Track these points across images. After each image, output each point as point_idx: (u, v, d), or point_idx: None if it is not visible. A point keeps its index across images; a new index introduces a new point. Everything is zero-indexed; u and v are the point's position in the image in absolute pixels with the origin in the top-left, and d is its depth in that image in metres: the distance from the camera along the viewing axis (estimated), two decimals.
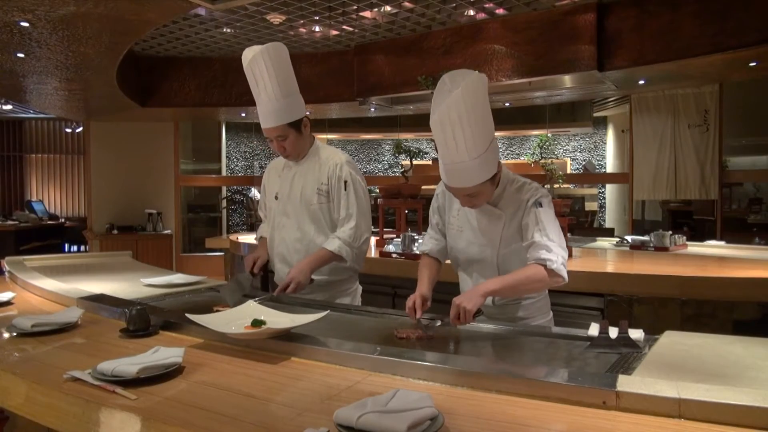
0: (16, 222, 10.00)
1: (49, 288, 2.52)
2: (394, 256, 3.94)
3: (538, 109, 8.69)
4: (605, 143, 9.63)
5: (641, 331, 1.75)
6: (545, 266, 1.91)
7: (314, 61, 7.25)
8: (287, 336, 1.71)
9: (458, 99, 1.77)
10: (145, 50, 7.35)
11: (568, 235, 4.17)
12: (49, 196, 11.70)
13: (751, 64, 5.54)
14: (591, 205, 9.40)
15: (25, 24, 4.50)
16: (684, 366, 1.47)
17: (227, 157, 10.07)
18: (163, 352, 1.56)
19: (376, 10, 5.68)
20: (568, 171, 9.43)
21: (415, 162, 4.54)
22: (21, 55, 5.41)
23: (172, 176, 9.45)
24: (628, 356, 1.58)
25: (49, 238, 10.39)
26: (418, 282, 2.18)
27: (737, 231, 6.62)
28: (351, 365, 1.54)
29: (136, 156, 9.32)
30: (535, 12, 5.75)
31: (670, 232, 4.39)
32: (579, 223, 8.10)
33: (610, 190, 9.37)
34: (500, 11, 5.79)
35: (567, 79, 6.21)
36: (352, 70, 7.06)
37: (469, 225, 2.12)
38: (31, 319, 1.94)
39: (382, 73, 6.72)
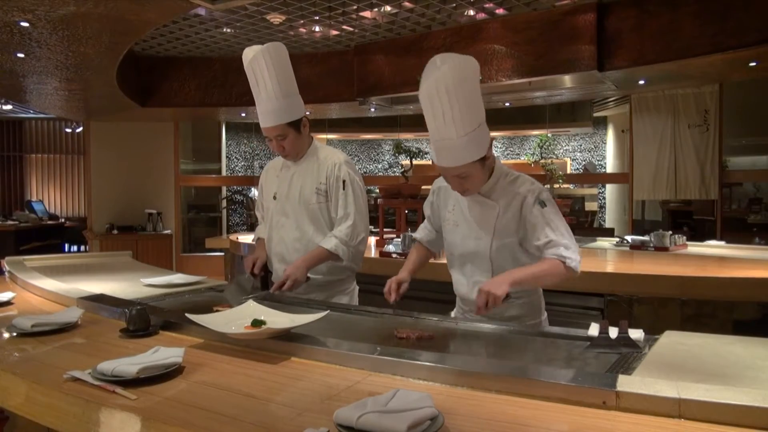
0: (16, 222, 10.00)
1: (49, 288, 2.51)
2: (394, 256, 3.94)
3: (538, 109, 8.69)
4: (605, 143, 9.63)
5: (641, 331, 1.75)
6: (564, 263, 1.96)
7: (314, 61, 7.25)
8: (287, 336, 1.71)
9: (446, 73, 1.83)
10: (145, 50, 7.35)
11: None
12: (49, 196, 11.70)
13: (751, 64, 5.54)
14: (591, 205, 9.40)
15: (25, 24, 4.50)
16: (684, 366, 1.47)
17: (227, 157, 10.07)
18: (163, 352, 1.56)
19: (376, 10, 5.68)
20: (568, 171, 9.43)
21: (415, 162, 4.55)
22: (21, 55, 5.41)
23: (172, 176, 9.45)
24: (628, 356, 1.58)
25: (49, 238, 10.39)
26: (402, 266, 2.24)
27: (737, 231, 6.62)
28: (351, 365, 1.54)
29: (136, 156, 9.32)
30: (535, 12, 5.75)
31: (670, 232, 4.39)
32: (579, 223, 8.09)
33: (610, 190, 9.37)
34: (500, 11, 5.79)
35: (567, 79, 6.21)
36: (352, 70, 7.06)
37: (464, 219, 2.14)
38: (31, 319, 1.94)
39: (382, 73, 6.72)
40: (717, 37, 4.98)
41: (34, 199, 11.33)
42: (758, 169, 7.14)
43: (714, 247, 4.69)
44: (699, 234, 6.93)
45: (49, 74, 6.24)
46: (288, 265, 2.53)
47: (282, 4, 5.45)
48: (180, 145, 9.49)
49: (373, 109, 8.09)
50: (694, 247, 4.56)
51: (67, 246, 10.66)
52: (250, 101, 2.64)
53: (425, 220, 2.39)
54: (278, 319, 1.85)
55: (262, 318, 1.81)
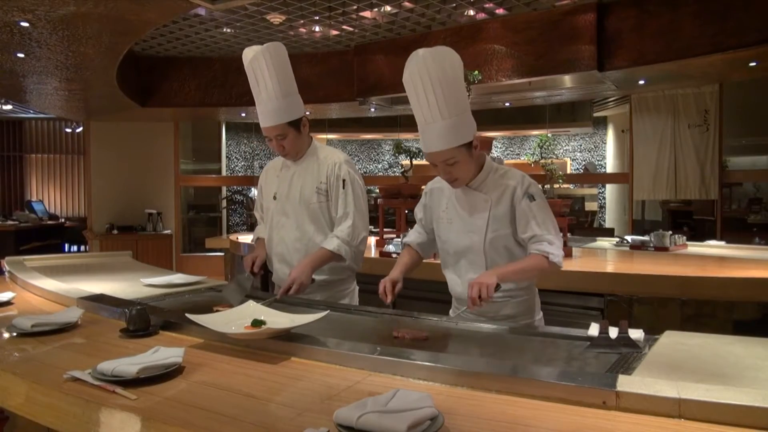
0: (16, 222, 9.99)
1: (49, 288, 2.51)
2: (394, 256, 3.94)
3: (538, 109, 8.69)
4: (605, 143, 9.63)
5: (641, 331, 1.75)
6: (548, 259, 2.02)
7: (314, 61, 7.25)
8: (287, 336, 1.71)
9: (428, 58, 1.93)
10: (145, 50, 7.35)
11: (568, 235, 4.17)
12: (49, 196, 11.70)
13: (751, 64, 5.54)
14: (591, 205, 9.40)
15: (25, 24, 4.50)
16: (684, 366, 1.47)
17: (227, 157, 10.07)
18: (163, 352, 1.56)
19: (376, 10, 5.68)
20: (568, 171, 9.43)
21: (415, 162, 4.54)
22: (21, 55, 5.41)
23: (172, 176, 9.45)
24: (628, 356, 1.58)
25: (49, 238, 10.38)
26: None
27: (737, 231, 6.62)
28: (351, 365, 1.54)
29: (136, 156, 9.32)
30: (535, 12, 5.75)
31: (670, 232, 4.39)
32: (579, 223, 8.09)
33: (610, 190, 9.37)
34: (500, 11, 5.79)
35: (567, 79, 6.21)
36: (352, 70, 7.06)
37: (457, 215, 2.18)
38: (31, 319, 1.94)
39: (382, 73, 6.73)
40: (717, 37, 4.98)
41: (34, 199, 11.33)
42: (758, 169, 7.14)
43: (714, 247, 4.69)
44: (699, 234, 6.93)
45: (49, 74, 6.24)
46: (288, 265, 2.53)
47: (282, 4, 5.45)
48: (180, 145, 9.49)
49: (373, 109, 8.09)
50: (694, 247, 4.56)
51: (67, 246, 10.66)
52: (250, 101, 2.64)
53: (416, 224, 2.43)
54: (278, 319, 1.85)
55: (262, 318, 1.81)
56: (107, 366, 1.46)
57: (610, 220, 9.23)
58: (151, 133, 9.33)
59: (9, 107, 9.70)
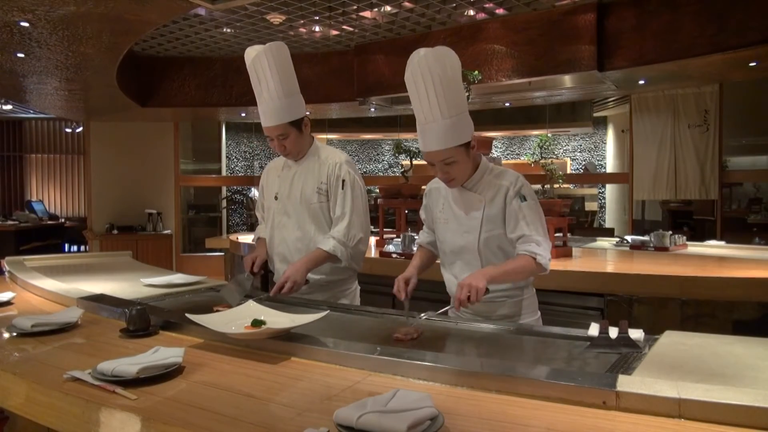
0: (16, 222, 9.99)
1: (49, 288, 2.51)
2: (394, 256, 3.94)
3: (538, 109, 8.69)
4: (605, 143, 9.63)
5: (641, 331, 1.75)
6: (535, 260, 2.03)
7: (314, 61, 7.25)
8: (287, 336, 1.71)
9: (430, 57, 1.95)
10: (145, 50, 7.35)
11: (569, 235, 4.17)
12: (49, 196, 11.70)
13: (751, 64, 5.54)
14: (591, 205, 9.40)
15: (25, 24, 4.50)
16: (684, 366, 1.47)
17: (227, 157, 10.07)
18: (163, 352, 1.56)
19: (376, 10, 5.68)
20: (568, 171, 9.43)
21: (415, 162, 4.54)
22: (21, 55, 5.41)
23: (172, 176, 9.46)
24: (628, 356, 1.58)
25: (49, 238, 10.38)
26: None
27: (737, 231, 6.63)
28: (351, 365, 1.54)
29: (136, 156, 9.32)
30: (535, 12, 5.75)
31: (670, 232, 4.39)
32: (579, 223, 8.10)
33: (610, 190, 9.37)
34: (500, 11, 5.79)
35: (567, 79, 6.21)
36: (352, 70, 7.06)
37: (453, 215, 2.19)
38: (31, 319, 1.94)
39: (382, 73, 6.73)
40: (717, 37, 4.98)
41: (34, 199, 11.33)
42: (758, 169, 7.14)
43: (714, 247, 4.69)
44: (699, 234, 6.93)
45: (49, 74, 6.24)
46: (290, 265, 2.53)
47: (282, 4, 5.45)
48: (180, 145, 9.49)
49: (373, 109, 8.09)
50: (694, 247, 4.56)
51: (67, 246, 10.66)
52: (250, 101, 2.65)
53: (424, 226, 2.45)
54: (278, 319, 1.85)
55: (262, 318, 1.81)
56: (107, 366, 1.46)
57: (610, 220, 9.23)
58: (151, 133, 9.33)
59: (9, 107, 9.70)
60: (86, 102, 7.95)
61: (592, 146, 9.67)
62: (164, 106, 7.96)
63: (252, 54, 2.43)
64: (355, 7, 5.57)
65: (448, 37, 6.20)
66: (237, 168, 10.21)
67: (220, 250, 7.68)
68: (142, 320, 1.90)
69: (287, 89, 2.44)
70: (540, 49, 5.76)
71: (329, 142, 10.20)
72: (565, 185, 5.13)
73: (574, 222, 6.07)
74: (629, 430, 1.15)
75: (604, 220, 9.32)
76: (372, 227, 2.86)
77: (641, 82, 6.53)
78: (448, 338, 1.93)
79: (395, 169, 10.75)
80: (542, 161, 4.00)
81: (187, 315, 1.82)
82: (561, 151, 9.59)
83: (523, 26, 5.85)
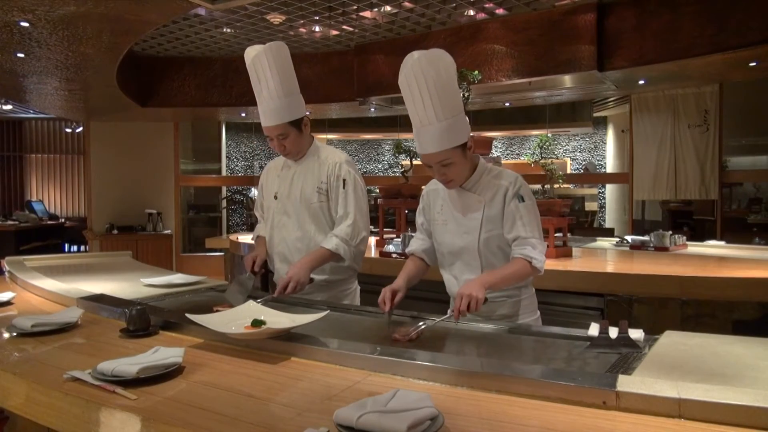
0: (16, 222, 9.99)
1: (49, 288, 2.51)
2: (394, 256, 3.94)
3: (538, 109, 8.69)
4: (605, 143, 9.63)
5: (641, 331, 1.75)
6: (530, 263, 2.03)
7: (314, 61, 7.26)
8: (287, 336, 1.71)
9: (423, 61, 1.95)
10: (145, 50, 7.35)
11: (569, 235, 4.17)
12: (49, 196, 11.70)
13: (751, 64, 5.54)
14: (591, 205, 9.40)
15: (25, 24, 4.50)
16: (684, 366, 1.47)
17: (227, 157, 10.07)
18: (163, 352, 1.56)
19: (376, 10, 5.69)
20: (568, 171, 9.43)
21: (415, 162, 4.54)
22: (21, 55, 5.42)
23: (172, 176, 9.46)
24: (628, 356, 1.58)
25: (49, 238, 10.39)
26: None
27: (737, 231, 6.63)
28: (351, 365, 1.54)
29: (136, 156, 9.33)
30: (535, 12, 5.75)
31: (670, 232, 4.39)
32: (579, 223, 8.10)
33: (610, 190, 9.37)
34: (500, 11, 5.80)
35: (567, 79, 6.21)
36: (352, 70, 7.06)
37: (452, 216, 2.19)
38: (31, 319, 1.94)
39: (382, 73, 6.73)
40: (717, 37, 4.99)
41: (34, 199, 11.33)
42: (758, 169, 7.14)
43: (714, 247, 4.69)
44: (699, 234, 6.93)
45: (49, 74, 6.24)
46: (290, 264, 2.52)
47: (282, 4, 5.45)
48: (180, 145, 9.49)
49: (373, 109, 8.09)
50: (694, 247, 4.56)
51: (67, 246, 10.66)
52: (250, 101, 2.65)
53: (417, 231, 2.39)
54: (278, 319, 1.84)
55: (262, 318, 1.81)
56: (107, 366, 1.46)
57: (610, 220, 9.23)
58: (151, 133, 9.33)
59: (9, 107, 9.71)
60: (86, 102, 7.95)
61: (592, 146, 9.67)
62: (164, 106, 7.97)
63: (252, 54, 2.43)
64: (355, 7, 5.57)
65: (448, 37, 6.20)
66: (237, 168, 10.21)
67: (220, 250, 7.68)
68: (142, 320, 1.90)
69: (287, 89, 2.44)
70: (540, 49, 5.76)
71: (329, 142, 10.20)
72: (565, 185, 5.13)
73: (574, 222, 6.07)
74: (629, 430, 1.15)
75: (604, 220, 9.32)
76: (372, 227, 2.86)
77: (641, 82, 6.53)
78: (447, 338, 1.93)
79: (395, 169, 10.75)
80: (542, 161, 4.00)
81: (187, 315, 1.82)
82: (561, 151, 9.59)
83: (523, 26, 5.85)
